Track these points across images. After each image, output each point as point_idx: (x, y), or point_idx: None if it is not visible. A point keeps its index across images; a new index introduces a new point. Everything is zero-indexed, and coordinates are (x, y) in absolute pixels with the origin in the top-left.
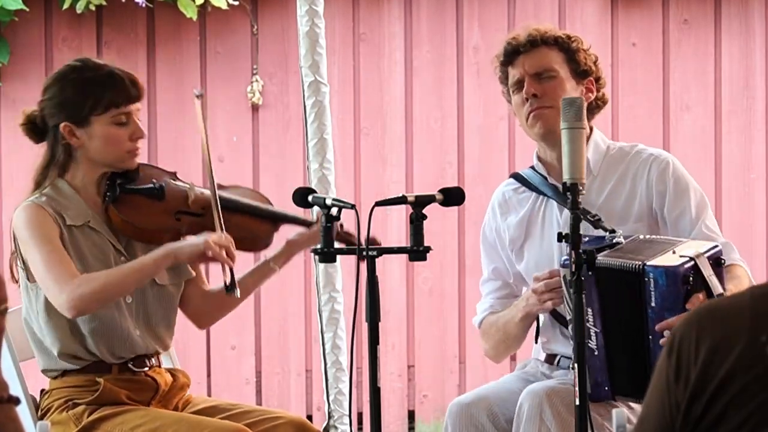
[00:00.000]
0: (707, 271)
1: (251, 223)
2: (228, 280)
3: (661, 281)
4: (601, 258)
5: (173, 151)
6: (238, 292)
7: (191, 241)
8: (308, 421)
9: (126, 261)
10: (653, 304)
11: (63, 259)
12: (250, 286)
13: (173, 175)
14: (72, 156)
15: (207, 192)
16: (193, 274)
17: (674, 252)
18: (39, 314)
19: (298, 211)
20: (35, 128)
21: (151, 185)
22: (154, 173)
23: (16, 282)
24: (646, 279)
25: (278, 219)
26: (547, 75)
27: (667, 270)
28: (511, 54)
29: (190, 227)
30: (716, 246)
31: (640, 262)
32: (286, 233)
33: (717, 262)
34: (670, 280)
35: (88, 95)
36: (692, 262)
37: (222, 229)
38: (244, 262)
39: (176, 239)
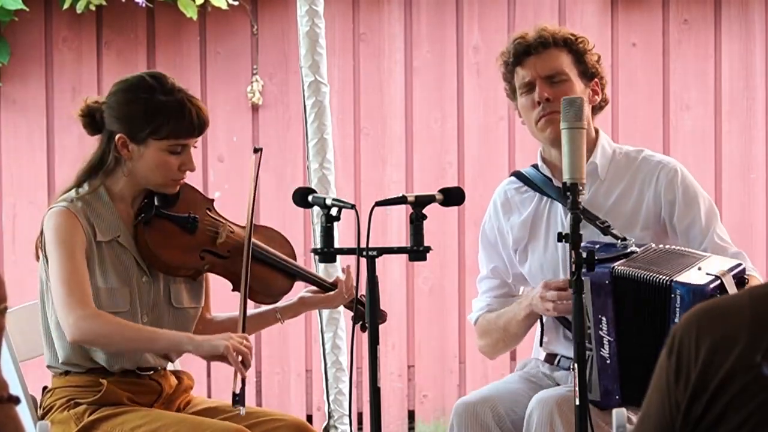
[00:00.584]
0: (732, 290)
1: (270, 276)
2: (237, 390)
3: (687, 299)
4: (621, 268)
5: None
6: (243, 410)
7: (213, 341)
8: (308, 424)
9: (147, 281)
10: (677, 320)
11: (82, 280)
12: (252, 328)
13: (210, 204)
14: (119, 166)
15: (237, 231)
16: (203, 302)
17: (700, 268)
18: (51, 317)
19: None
20: (93, 122)
21: (185, 216)
22: (192, 198)
23: (38, 259)
24: (673, 295)
25: (298, 276)
26: (559, 78)
27: (695, 289)
28: (522, 54)
29: (213, 267)
30: (740, 264)
31: (667, 278)
32: (299, 286)
33: (740, 281)
34: (697, 298)
35: (153, 119)
36: (718, 281)
37: (244, 326)
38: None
39: (195, 277)
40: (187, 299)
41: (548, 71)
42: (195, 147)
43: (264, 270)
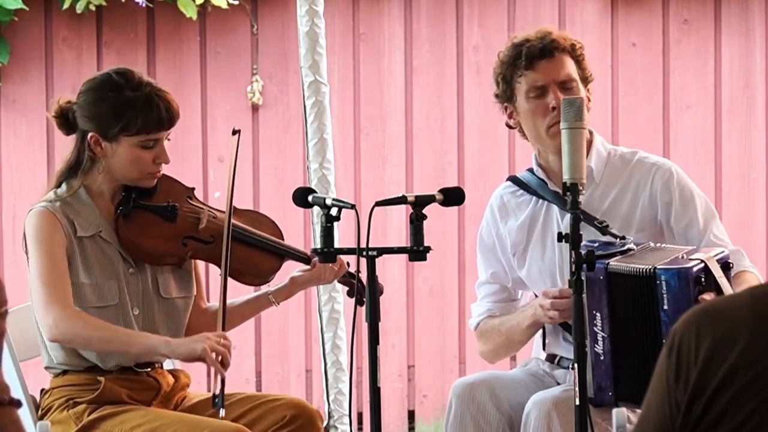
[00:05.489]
0: (717, 273)
1: (257, 258)
2: (217, 391)
3: (673, 283)
4: (615, 264)
5: (173, 151)
6: (223, 412)
7: (190, 344)
8: (306, 402)
9: (134, 273)
10: (666, 307)
11: (62, 279)
12: (246, 314)
13: (191, 192)
14: (95, 164)
15: (219, 216)
16: (195, 292)
17: (683, 257)
18: None
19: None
20: (66, 122)
21: (165, 205)
22: (171, 188)
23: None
24: (658, 282)
25: (285, 255)
26: (570, 85)
27: (679, 271)
28: (536, 57)
29: (197, 253)
30: (723, 251)
31: (650, 266)
32: (290, 268)
33: (725, 266)
34: (683, 281)
35: (122, 116)
36: (702, 264)
37: (223, 324)
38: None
39: (180, 264)
40: (175, 289)
41: (563, 77)
42: (168, 140)
43: (250, 251)
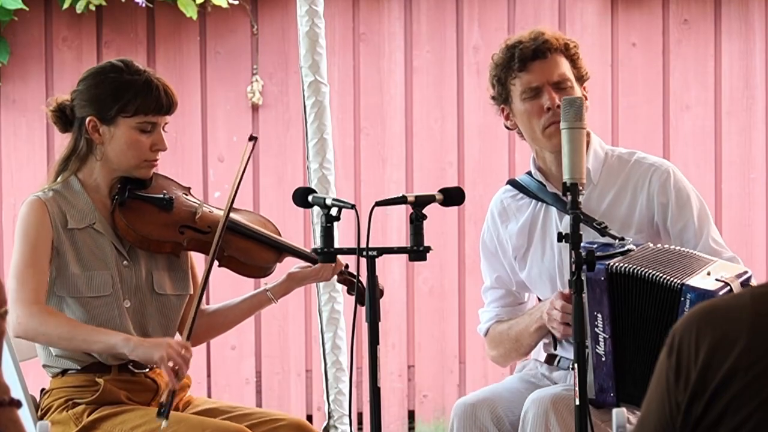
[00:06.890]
0: None
1: (255, 250)
2: (163, 400)
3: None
4: (617, 265)
5: (173, 150)
6: (165, 423)
7: (149, 347)
8: (309, 423)
9: (128, 266)
10: None
11: (36, 276)
12: (245, 311)
13: (186, 191)
14: (92, 152)
15: (215, 211)
16: (191, 291)
17: (709, 273)
18: None
19: (302, 219)
20: (63, 117)
21: (161, 195)
22: (166, 185)
23: None
24: (683, 299)
25: (283, 250)
26: (565, 85)
27: (707, 294)
28: (528, 59)
29: (192, 242)
30: (747, 272)
31: (677, 280)
32: (288, 266)
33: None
34: None
35: (121, 96)
36: (728, 287)
37: (190, 332)
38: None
39: (176, 252)
40: (170, 286)
41: (557, 77)
42: (165, 131)
43: (249, 244)
